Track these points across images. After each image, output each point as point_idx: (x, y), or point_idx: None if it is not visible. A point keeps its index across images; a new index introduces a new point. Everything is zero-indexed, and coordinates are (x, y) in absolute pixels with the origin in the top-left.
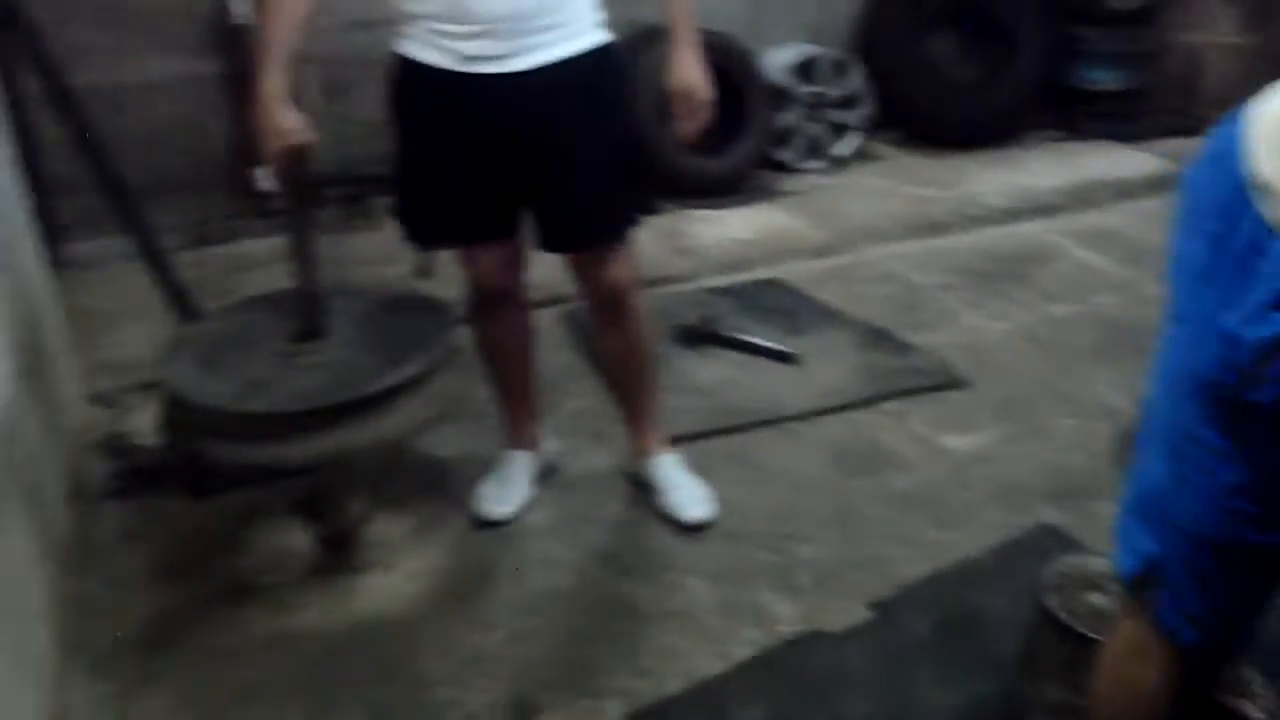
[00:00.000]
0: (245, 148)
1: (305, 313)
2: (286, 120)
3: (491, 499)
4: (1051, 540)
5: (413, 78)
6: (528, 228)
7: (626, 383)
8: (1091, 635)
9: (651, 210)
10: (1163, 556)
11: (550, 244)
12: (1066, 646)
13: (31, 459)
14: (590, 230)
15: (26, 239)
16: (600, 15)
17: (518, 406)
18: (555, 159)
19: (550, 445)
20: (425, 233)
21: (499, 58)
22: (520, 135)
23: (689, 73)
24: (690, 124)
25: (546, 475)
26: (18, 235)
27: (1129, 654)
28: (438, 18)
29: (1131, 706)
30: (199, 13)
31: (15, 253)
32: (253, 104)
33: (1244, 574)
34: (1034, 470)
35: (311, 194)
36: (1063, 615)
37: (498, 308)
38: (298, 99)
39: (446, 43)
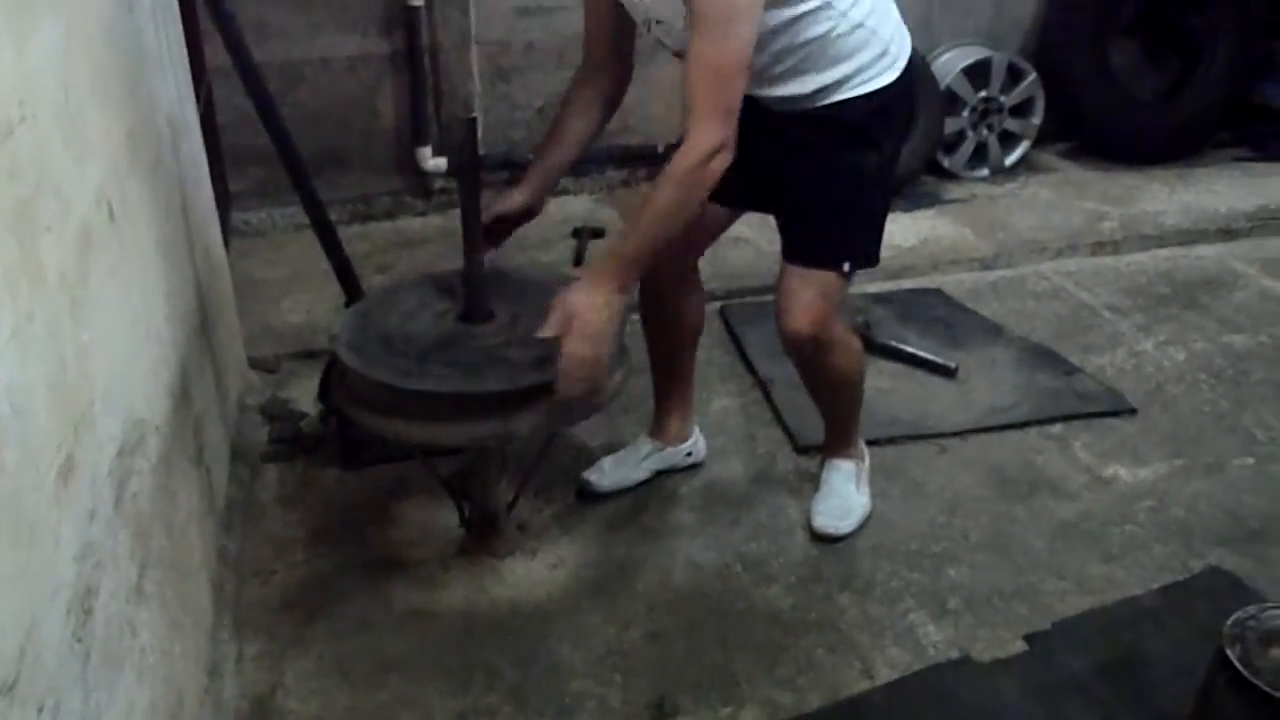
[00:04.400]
0: (412, 127)
1: (471, 295)
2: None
3: (597, 470)
4: (1224, 585)
5: None
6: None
7: (814, 399)
8: (1278, 695)
9: (869, 262)
10: None
11: None
12: (1248, 704)
13: (200, 420)
14: (789, 246)
15: (210, 207)
16: (888, 53)
17: (661, 395)
18: (787, 170)
19: (697, 443)
20: None
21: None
22: (773, 138)
23: None
24: None
25: (687, 471)
26: (204, 203)
27: None
28: None
29: None
30: None
31: (201, 220)
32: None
33: None
34: (1207, 510)
35: (478, 176)
36: (1246, 671)
37: (664, 288)
38: (464, 81)
39: None
